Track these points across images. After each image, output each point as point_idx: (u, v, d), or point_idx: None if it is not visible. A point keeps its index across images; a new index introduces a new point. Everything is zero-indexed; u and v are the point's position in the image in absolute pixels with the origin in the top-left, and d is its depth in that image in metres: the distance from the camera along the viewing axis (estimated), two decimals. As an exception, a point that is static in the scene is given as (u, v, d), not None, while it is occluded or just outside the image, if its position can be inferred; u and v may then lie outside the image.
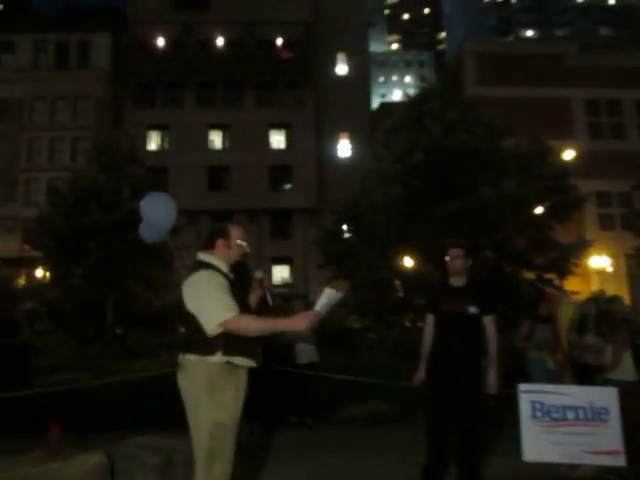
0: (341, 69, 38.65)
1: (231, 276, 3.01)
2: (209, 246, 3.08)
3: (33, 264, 22.07)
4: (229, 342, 2.84)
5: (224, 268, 3.01)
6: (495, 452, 4.81)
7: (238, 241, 3.08)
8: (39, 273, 21.63)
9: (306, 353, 7.38)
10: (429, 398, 4.21)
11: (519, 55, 34.08)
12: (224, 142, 36.20)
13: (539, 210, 15.96)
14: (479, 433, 4.13)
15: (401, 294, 15.86)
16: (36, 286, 19.35)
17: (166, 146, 35.65)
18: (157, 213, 5.16)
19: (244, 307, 2.95)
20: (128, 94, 35.43)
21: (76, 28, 34.46)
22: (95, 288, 14.99)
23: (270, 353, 7.45)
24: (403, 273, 14.89)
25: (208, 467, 2.81)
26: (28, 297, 15.49)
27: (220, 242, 3.06)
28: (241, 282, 3.10)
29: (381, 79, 74.55)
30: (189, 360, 2.88)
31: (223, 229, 3.12)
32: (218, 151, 35.86)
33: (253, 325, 2.86)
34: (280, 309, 7.91)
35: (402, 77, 76.09)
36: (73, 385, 6.76)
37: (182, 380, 2.92)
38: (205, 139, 35.61)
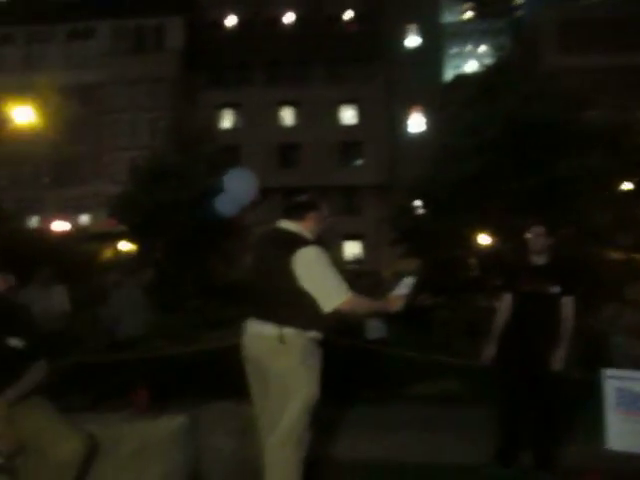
0: (412, 41, 37.66)
1: None
2: (299, 217, 3.03)
3: (119, 238, 23.29)
4: (322, 319, 2.88)
5: (310, 236, 2.99)
6: (573, 439, 4.63)
7: (323, 216, 3.08)
8: (124, 246, 22.83)
9: (376, 329, 7.37)
10: (502, 379, 4.11)
11: (603, 19, 31.58)
12: (295, 119, 36.39)
13: (626, 186, 14.99)
14: (556, 418, 4.00)
15: (476, 272, 15.48)
16: (122, 258, 20.44)
17: (238, 124, 36.31)
18: (239, 187, 5.31)
19: None
20: (201, 74, 36.27)
21: (152, 13, 35.50)
22: (176, 261, 15.66)
23: (341, 328, 7.57)
24: (478, 251, 14.50)
25: (293, 439, 2.83)
26: (114, 269, 16.36)
27: (311, 215, 3.03)
28: None
29: (454, 50, 71.76)
30: (289, 333, 2.84)
31: (315, 203, 3.10)
32: (289, 128, 36.11)
33: (363, 306, 2.94)
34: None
35: (477, 47, 72.73)
36: (155, 353, 7.11)
37: (278, 353, 2.87)
38: (276, 116, 35.94)
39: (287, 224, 3.03)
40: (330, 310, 2.82)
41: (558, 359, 3.89)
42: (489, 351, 4.11)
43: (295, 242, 2.90)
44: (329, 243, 3.44)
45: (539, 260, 4.06)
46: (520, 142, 13.79)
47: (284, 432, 2.82)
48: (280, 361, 2.86)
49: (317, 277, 2.83)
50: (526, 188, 13.40)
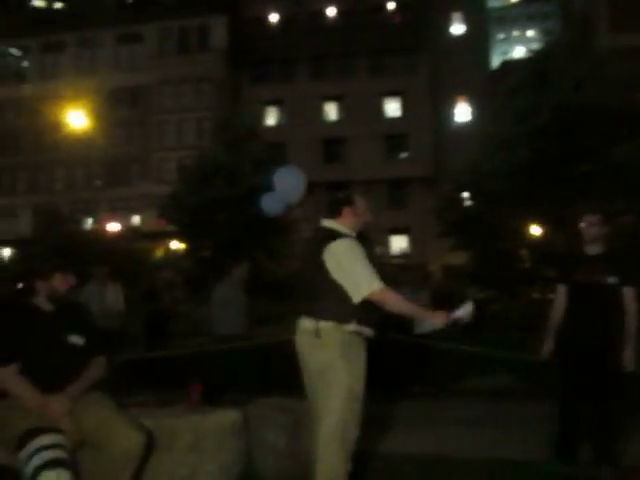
0: (457, 29, 36.87)
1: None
2: (335, 214, 3.06)
3: (169, 237, 23.89)
4: (362, 313, 2.90)
5: (354, 236, 3.02)
6: (634, 437, 4.44)
7: (361, 209, 3.07)
8: (174, 245, 23.41)
9: (424, 323, 7.28)
10: (562, 375, 3.98)
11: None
12: (339, 113, 36.31)
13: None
14: (617, 415, 3.84)
15: (528, 264, 15.05)
16: (172, 257, 20.97)
17: (282, 121, 36.52)
18: (288, 186, 5.34)
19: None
20: (245, 72, 36.65)
21: (195, 13, 36.08)
22: (224, 259, 15.91)
23: (389, 322, 7.51)
24: (530, 242, 14.09)
25: (338, 434, 2.84)
26: (165, 267, 16.84)
27: (346, 210, 3.04)
28: (367, 251, 3.04)
29: (501, 36, 69.77)
30: (324, 327, 2.87)
31: (349, 197, 3.10)
32: (333, 123, 36.07)
33: (399, 304, 2.93)
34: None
35: (524, 32, 70.59)
36: (206, 348, 7.25)
37: (315, 347, 2.91)
38: (320, 111, 35.96)
39: (326, 222, 3.08)
40: (359, 300, 2.84)
41: (628, 359, 3.72)
42: (548, 346, 3.98)
43: (328, 237, 2.94)
44: (373, 238, 3.42)
45: (594, 250, 3.90)
46: (572, 128, 13.29)
47: (328, 426, 2.84)
48: (317, 355, 2.89)
49: (346, 268, 2.85)
50: (579, 176, 12.92)
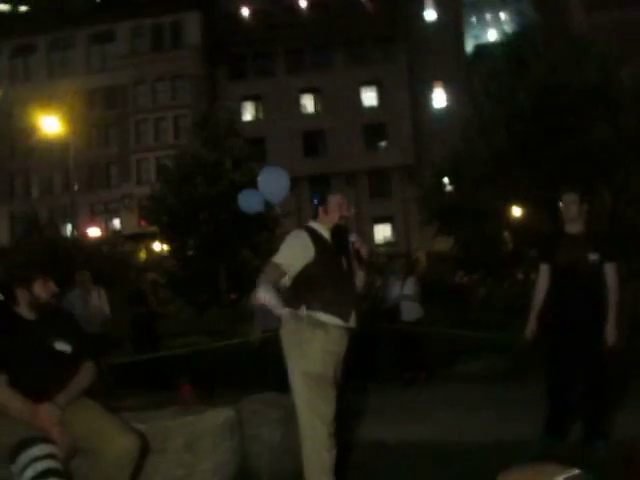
0: (429, 14, 36.91)
1: (328, 240, 3.20)
2: (314, 216, 3.32)
3: (151, 238, 23.70)
4: (313, 299, 3.06)
5: (324, 232, 3.22)
6: (624, 410, 4.50)
7: (334, 206, 3.25)
8: (157, 246, 23.22)
9: (412, 310, 7.34)
10: (548, 353, 4.01)
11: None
12: (316, 106, 36.23)
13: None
14: (605, 389, 3.89)
15: (511, 246, 15.20)
16: (155, 258, 20.79)
17: (261, 116, 36.35)
18: (273, 186, 5.33)
19: (339, 269, 3.15)
20: (221, 68, 36.36)
21: (168, 10, 35.64)
22: (208, 257, 15.82)
23: (376, 313, 7.54)
24: (512, 224, 14.21)
25: (308, 417, 3.00)
26: (149, 269, 16.70)
27: (320, 209, 3.27)
28: (341, 245, 3.23)
29: (473, 19, 69.76)
30: (283, 316, 3.09)
31: (322, 198, 3.31)
32: (311, 116, 36.01)
33: (262, 280, 3.10)
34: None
35: (497, 15, 70.61)
36: (195, 347, 7.23)
37: (281, 334, 3.16)
38: (298, 105, 35.85)
39: (310, 223, 3.33)
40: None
41: (611, 334, 3.75)
42: (531, 326, 4.00)
43: None
44: (352, 229, 3.50)
45: (574, 228, 3.93)
46: (550, 110, 13.37)
47: (298, 412, 3.06)
48: (282, 342, 3.13)
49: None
50: (559, 156, 13.03)
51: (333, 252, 3.15)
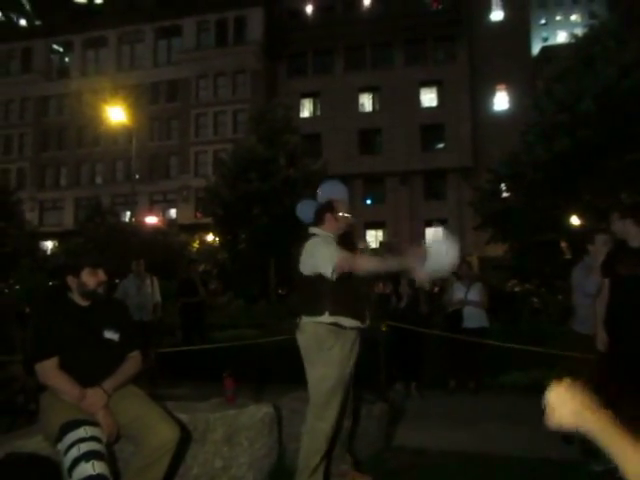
0: (496, 15, 35.95)
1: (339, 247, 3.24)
2: (319, 221, 3.31)
3: (205, 230, 24.24)
4: (336, 304, 3.11)
5: (333, 239, 3.26)
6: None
7: (343, 213, 3.28)
8: (210, 238, 23.74)
9: (476, 317, 7.13)
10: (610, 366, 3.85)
11: None
12: (374, 104, 36.00)
13: None
14: None
15: (569, 256, 14.63)
16: (208, 250, 21.23)
17: (318, 112, 36.45)
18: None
19: (362, 280, 3.19)
20: (281, 64, 36.69)
21: (232, 6, 36.27)
22: (259, 252, 16.01)
23: (438, 316, 7.39)
24: (571, 233, 13.67)
25: (321, 417, 3.12)
26: (201, 260, 17.06)
27: (327, 216, 3.28)
28: (348, 249, 3.24)
29: (542, 21, 67.57)
30: (303, 321, 3.19)
31: (329, 203, 3.32)
32: (368, 114, 35.80)
33: (366, 264, 3.09)
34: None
35: (567, 16, 68.12)
36: (243, 341, 7.32)
37: (300, 339, 3.23)
38: (355, 103, 35.72)
39: (312, 229, 3.37)
40: (332, 276, 3.01)
41: None
42: (601, 338, 3.91)
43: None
44: (356, 236, 3.54)
45: (636, 242, 3.80)
46: (617, 116, 12.78)
47: (312, 413, 3.18)
48: (301, 347, 3.22)
49: (315, 254, 3.12)
50: (625, 165, 12.45)
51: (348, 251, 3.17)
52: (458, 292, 7.14)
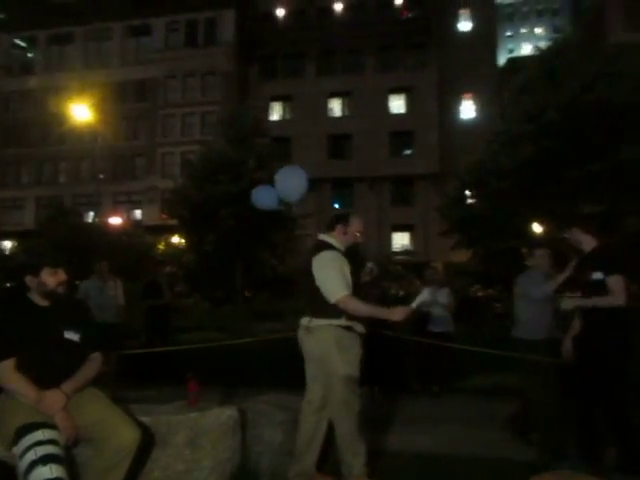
0: (464, 25, 36.67)
1: (346, 258, 3.46)
2: (329, 228, 3.50)
3: (171, 231, 23.93)
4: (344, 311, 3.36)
5: (342, 249, 3.47)
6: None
7: (355, 230, 3.48)
8: (176, 240, 23.43)
9: (443, 321, 7.19)
10: (572, 373, 3.96)
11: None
12: (344, 110, 36.24)
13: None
14: (630, 412, 3.79)
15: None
16: (174, 251, 20.96)
17: (288, 116, 36.47)
18: (290, 185, 5.31)
19: (356, 287, 3.40)
20: (252, 67, 36.59)
21: (203, 7, 36.00)
22: (226, 254, 15.88)
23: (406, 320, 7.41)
24: (534, 240, 14.00)
25: (346, 414, 3.34)
26: (167, 262, 16.84)
27: (339, 227, 3.48)
28: (353, 265, 3.46)
29: (508, 33, 69.16)
30: (318, 323, 3.36)
31: (345, 216, 3.52)
32: (338, 119, 36.01)
33: (358, 309, 3.33)
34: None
35: (532, 29, 69.93)
36: (208, 344, 7.25)
37: (310, 341, 3.40)
38: (325, 107, 35.90)
39: (321, 235, 3.56)
40: (332, 301, 3.29)
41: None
42: (566, 346, 4.04)
43: (318, 248, 3.44)
44: (364, 256, 3.66)
45: (589, 247, 3.95)
46: (581, 126, 13.17)
47: (337, 409, 3.38)
48: (311, 348, 3.40)
49: (323, 276, 3.34)
50: (586, 175, 12.83)
51: (353, 267, 3.41)
52: (427, 294, 7.18)
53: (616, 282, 3.66)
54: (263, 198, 5.68)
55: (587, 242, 3.93)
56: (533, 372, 4.38)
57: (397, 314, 3.27)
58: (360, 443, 3.40)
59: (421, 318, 7.16)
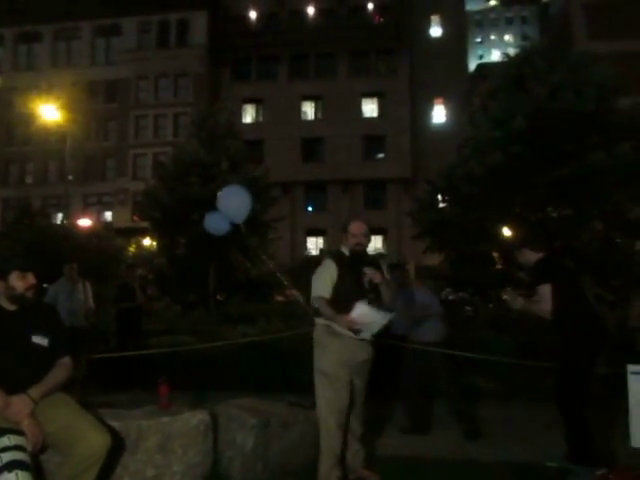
0: (435, 31, 37.19)
1: (348, 260, 3.76)
2: (341, 238, 3.96)
3: (142, 234, 23.61)
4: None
5: (346, 253, 3.84)
6: (601, 437, 4.49)
7: (352, 234, 3.80)
8: (147, 242, 23.13)
9: (401, 324, 7.19)
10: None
11: (635, 2, 30.40)
12: (317, 113, 36.35)
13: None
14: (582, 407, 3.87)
15: (500, 266, 15.22)
16: (145, 254, 20.68)
17: (261, 119, 36.40)
18: (234, 206, 5.32)
19: (356, 288, 3.63)
20: (225, 69, 36.41)
21: (175, 8, 35.70)
22: (198, 257, 15.73)
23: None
24: (503, 245, 14.24)
25: (321, 409, 3.59)
26: (138, 264, 16.59)
27: (344, 235, 3.90)
28: (356, 267, 3.71)
29: (478, 39, 70.33)
30: (316, 322, 3.79)
31: (345, 224, 3.92)
32: (311, 122, 36.10)
33: (323, 312, 3.65)
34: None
35: (501, 36, 71.29)
36: (179, 347, 7.19)
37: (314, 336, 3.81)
38: (298, 111, 35.94)
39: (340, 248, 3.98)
40: (312, 302, 3.70)
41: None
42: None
43: (326, 256, 3.91)
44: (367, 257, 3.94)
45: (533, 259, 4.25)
46: (548, 133, 13.46)
47: (320, 412, 3.64)
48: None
49: (312, 280, 3.76)
50: (553, 180, 13.12)
51: (350, 271, 3.68)
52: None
53: (542, 291, 3.94)
54: (215, 224, 5.67)
55: (535, 258, 4.16)
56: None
57: (342, 321, 3.53)
58: (337, 442, 3.55)
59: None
